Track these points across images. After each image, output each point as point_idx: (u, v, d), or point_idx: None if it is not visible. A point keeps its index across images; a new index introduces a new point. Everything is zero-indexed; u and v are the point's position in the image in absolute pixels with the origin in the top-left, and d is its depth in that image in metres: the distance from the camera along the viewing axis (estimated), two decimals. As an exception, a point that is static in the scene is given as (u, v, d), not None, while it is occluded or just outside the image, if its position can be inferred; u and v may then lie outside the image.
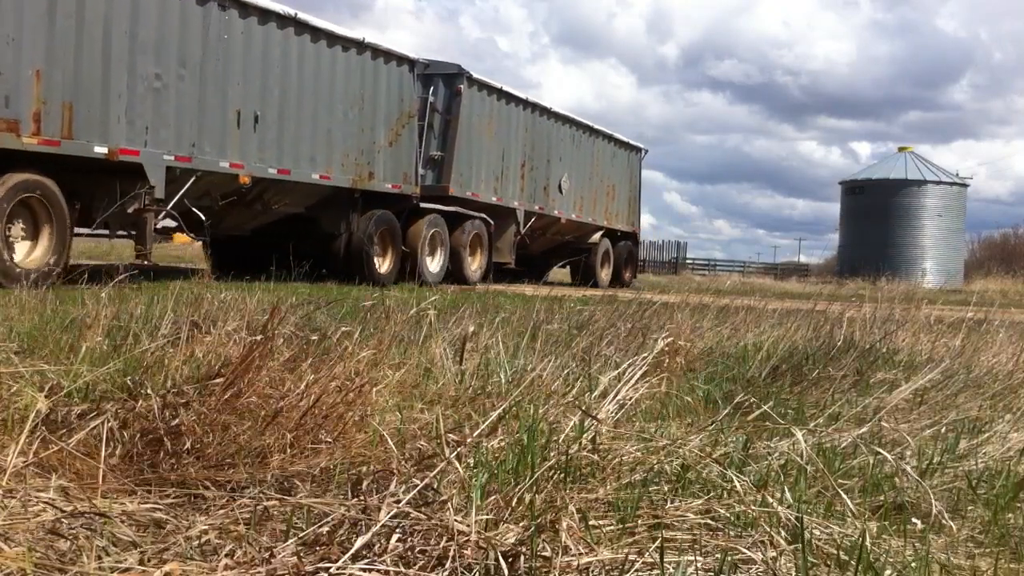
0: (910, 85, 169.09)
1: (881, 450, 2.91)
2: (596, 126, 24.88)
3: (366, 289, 12.10)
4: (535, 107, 21.91)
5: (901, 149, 42.56)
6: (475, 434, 2.60)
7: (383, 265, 16.24)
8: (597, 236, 24.86)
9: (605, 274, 25.26)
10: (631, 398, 2.99)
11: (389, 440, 2.66)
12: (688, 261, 49.18)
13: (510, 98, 20.73)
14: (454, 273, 17.79)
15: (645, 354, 3.31)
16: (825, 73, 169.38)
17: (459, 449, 2.46)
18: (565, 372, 3.87)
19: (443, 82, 18.53)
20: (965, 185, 41.47)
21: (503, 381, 3.71)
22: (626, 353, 4.47)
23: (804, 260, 57.15)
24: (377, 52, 16.16)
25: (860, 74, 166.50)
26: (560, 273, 25.93)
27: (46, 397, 2.93)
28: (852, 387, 4.44)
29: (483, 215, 19.04)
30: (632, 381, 3.00)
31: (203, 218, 12.93)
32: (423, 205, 17.16)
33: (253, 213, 14.56)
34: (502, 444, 2.57)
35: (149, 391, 2.94)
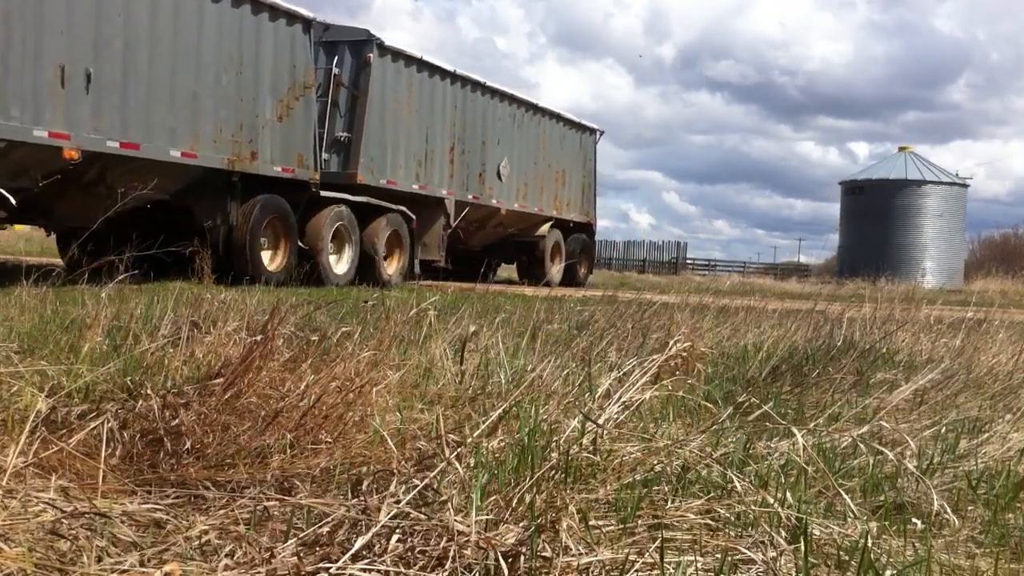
0: (908, 85, 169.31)
1: (883, 449, 2.91)
2: (542, 104, 22.19)
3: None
4: (466, 81, 18.98)
5: (901, 149, 42.53)
6: (475, 434, 2.60)
7: (273, 261, 13.77)
8: (545, 228, 22.31)
9: (556, 270, 22.66)
10: (637, 400, 2.99)
11: (389, 440, 2.66)
12: (688, 261, 49.18)
13: (434, 70, 17.80)
14: (367, 273, 15.29)
15: (655, 356, 3.30)
16: (822, 73, 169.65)
17: (459, 449, 2.46)
18: (565, 372, 3.87)
19: (349, 50, 15.80)
20: (965, 185, 41.45)
21: (503, 381, 3.71)
22: (626, 353, 4.47)
23: (804, 260, 57.14)
24: (260, 5, 13.28)
25: (857, 74, 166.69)
26: (510, 270, 23.53)
27: (46, 397, 2.93)
28: (852, 387, 4.44)
29: (402, 207, 16.43)
30: (639, 384, 2.99)
31: (9, 199, 10.27)
32: (324, 194, 14.63)
33: (95, 198, 11.16)
34: (502, 444, 2.57)
35: (149, 391, 2.94)
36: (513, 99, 20.84)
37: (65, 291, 6.05)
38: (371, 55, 15.63)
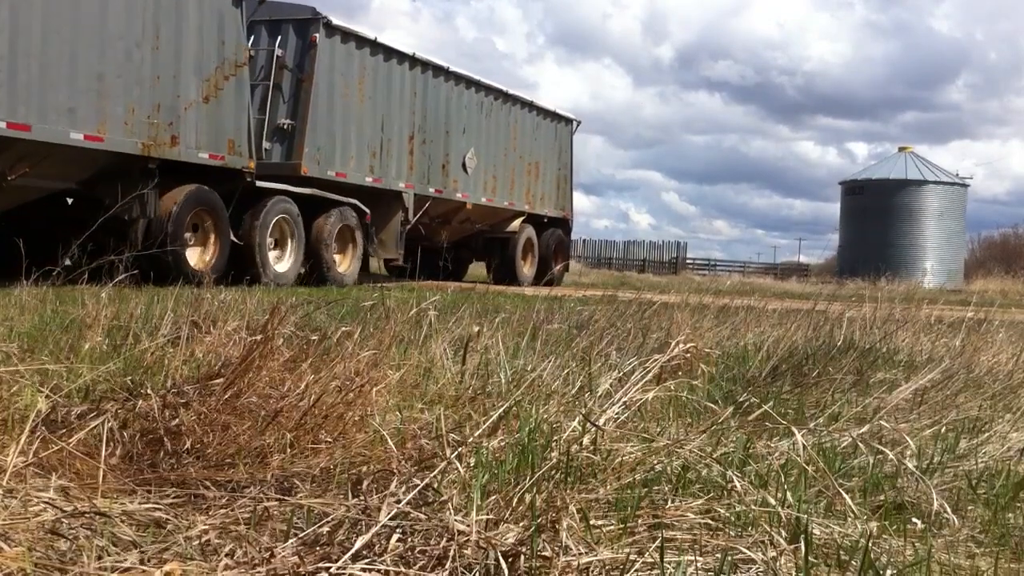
0: (906, 85, 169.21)
1: (883, 448, 2.91)
2: (513, 91, 20.61)
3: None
4: (427, 65, 17.45)
5: (901, 149, 42.54)
6: (476, 434, 2.60)
7: (201, 259, 12.43)
8: (517, 223, 20.89)
9: (528, 268, 21.32)
10: (638, 400, 2.99)
11: (389, 440, 2.66)
12: (688, 261, 49.18)
13: (390, 53, 16.33)
14: (314, 272, 14.10)
15: (657, 356, 3.30)
16: (820, 74, 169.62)
17: (460, 449, 2.46)
18: (565, 372, 3.87)
19: (294, 30, 14.49)
20: (965, 185, 41.47)
21: (503, 381, 3.71)
22: (626, 353, 4.47)
23: (804, 260, 57.14)
24: None
25: (855, 74, 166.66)
26: (479, 268, 22.22)
27: (46, 397, 2.93)
28: (852, 387, 4.44)
29: (354, 201, 15.17)
30: (640, 384, 2.99)
31: None
32: (261, 184, 13.27)
33: None
34: (502, 444, 2.57)
35: (149, 391, 2.94)
36: (480, 85, 19.40)
37: (65, 291, 6.05)
38: (317, 35, 14.37)
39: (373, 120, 15.96)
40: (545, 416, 2.89)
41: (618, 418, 2.85)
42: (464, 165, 18.80)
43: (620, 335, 5.37)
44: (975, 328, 6.91)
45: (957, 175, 41.55)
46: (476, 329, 4.52)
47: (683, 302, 7.26)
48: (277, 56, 14.44)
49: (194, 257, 12.40)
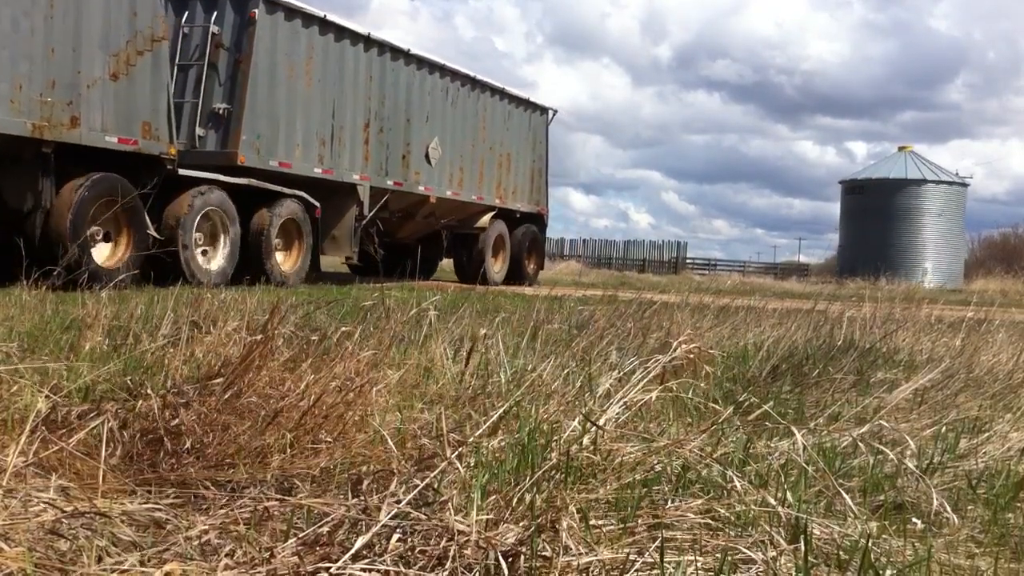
0: (904, 85, 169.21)
1: (883, 448, 2.91)
2: (481, 77, 19.10)
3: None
4: (384, 47, 16.01)
5: (901, 149, 42.54)
6: (476, 434, 2.60)
7: (111, 256, 11.05)
8: (486, 219, 19.43)
9: (499, 267, 20.04)
10: (639, 400, 2.99)
11: (389, 440, 2.66)
12: (688, 261, 49.18)
13: (343, 33, 14.94)
14: (254, 270, 12.54)
15: (659, 357, 3.30)
16: (819, 73, 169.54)
17: (460, 449, 2.46)
18: (565, 372, 3.87)
19: (231, 5, 13.30)
20: (965, 185, 41.46)
21: (503, 381, 3.71)
22: (627, 353, 4.47)
23: (804, 260, 57.17)
24: None
25: (854, 74, 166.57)
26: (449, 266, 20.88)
27: (46, 397, 2.93)
28: (852, 387, 4.44)
29: (301, 193, 13.92)
30: (640, 384, 2.99)
31: None
32: (184, 173, 11.82)
33: None
34: (503, 444, 2.57)
35: (149, 391, 2.94)
36: (445, 70, 17.88)
37: (65, 291, 6.05)
38: (257, 11, 13.18)
39: (323, 106, 14.68)
40: (545, 416, 2.89)
41: (618, 418, 2.85)
42: (427, 156, 17.38)
43: (620, 335, 5.37)
44: (975, 328, 6.91)
45: (957, 175, 41.56)
46: (483, 332, 4.51)
47: (683, 302, 7.26)
48: (213, 34, 13.22)
49: (103, 254, 11.00)
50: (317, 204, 14.29)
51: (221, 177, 12.49)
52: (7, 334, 4.42)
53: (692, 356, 3.99)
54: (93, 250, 10.74)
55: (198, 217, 12.05)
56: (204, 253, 12.41)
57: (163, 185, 11.45)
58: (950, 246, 40.31)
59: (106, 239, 11.08)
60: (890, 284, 22.34)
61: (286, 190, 13.65)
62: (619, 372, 3.43)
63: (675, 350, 3.46)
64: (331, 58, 14.80)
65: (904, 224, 39.48)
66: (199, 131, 13.08)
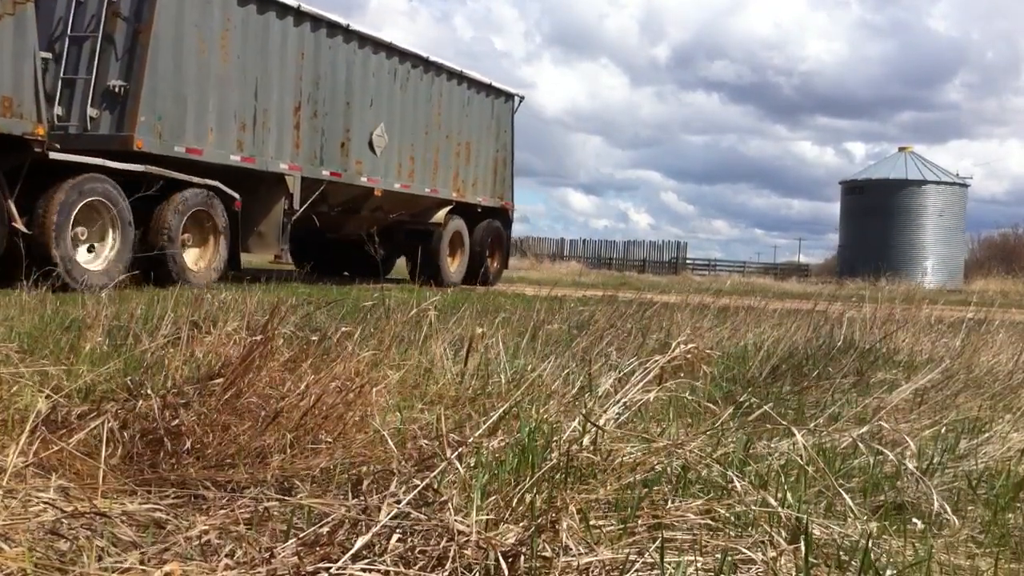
0: (903, 85, 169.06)
1: (883, 449, 2.91)
2: (436, 59, 17.21)
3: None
4: (320, 21, 14.24)
5: (901, 149, 42.54)
6: (476, 434, 2.60)
7: None
8: (442, 214, 17.49)
9: (455, 266, 18.14)
10: (639, 401, 2.99)
11: (389, 440, 2.66)
12: (688, 261, 49.19)
13: (267, 4, 13.18)
14: (155, 269, 11.19)
15: (658, 357, 3.30)
16: (817, 73, 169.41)
17: (460, 449, 2.46)
18: (565, 372, 3.87)
19: None
20: (965, 185, 41.47)
21: (503, 381, 3.71)
22: (626, 353, 4.47)
23: (804, 260, 57.12)
24: None
25: (852, 74, 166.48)
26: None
27: (46, 397, 2.93)
28: (852, 387, 4.45)
29: (214, 182, 12.20)
30: (640, 384, 2.99)
31: None
32: (57, 158, 10.08)
33: None
34: (503, 444, 2.57)
35: (149, 391, 2.94)
36: (394, 50, 16.01)
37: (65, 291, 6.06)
38: None
39: (242, 85, 12.89)
40: (545, 416, 2.89)
41: (618, 418, 2.85)
42: (371, 144, 15.51)
43: (620, 335, 5.37)
44: (975, 328, 6.91)
45: (957, 175, 41.56)
46: (480, 331, 4.51)
47: (683, 302, 7.26)
48: (110, 2, 11.57)
49: None
50: (236, 196, 12.60)
51: (107, 163, 10.72)
52: (7, 334, 4.42)
53: (692, 356, 3.99)
54: None
55: (75, 209, 10.31)
56: (91, 250, 10.83)
57: (36, 172, 9.92)
58: (950, 246, 40.32)
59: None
60: (890, 284, 22.33)
61: (195, 179, 11.94)
62: (619, 373, 3.43)
63: (675, 350, 3.45)
64: (253, 31, 13.03)
65: (904, 224, 39.49)
66: (91, 111, 11.45)
